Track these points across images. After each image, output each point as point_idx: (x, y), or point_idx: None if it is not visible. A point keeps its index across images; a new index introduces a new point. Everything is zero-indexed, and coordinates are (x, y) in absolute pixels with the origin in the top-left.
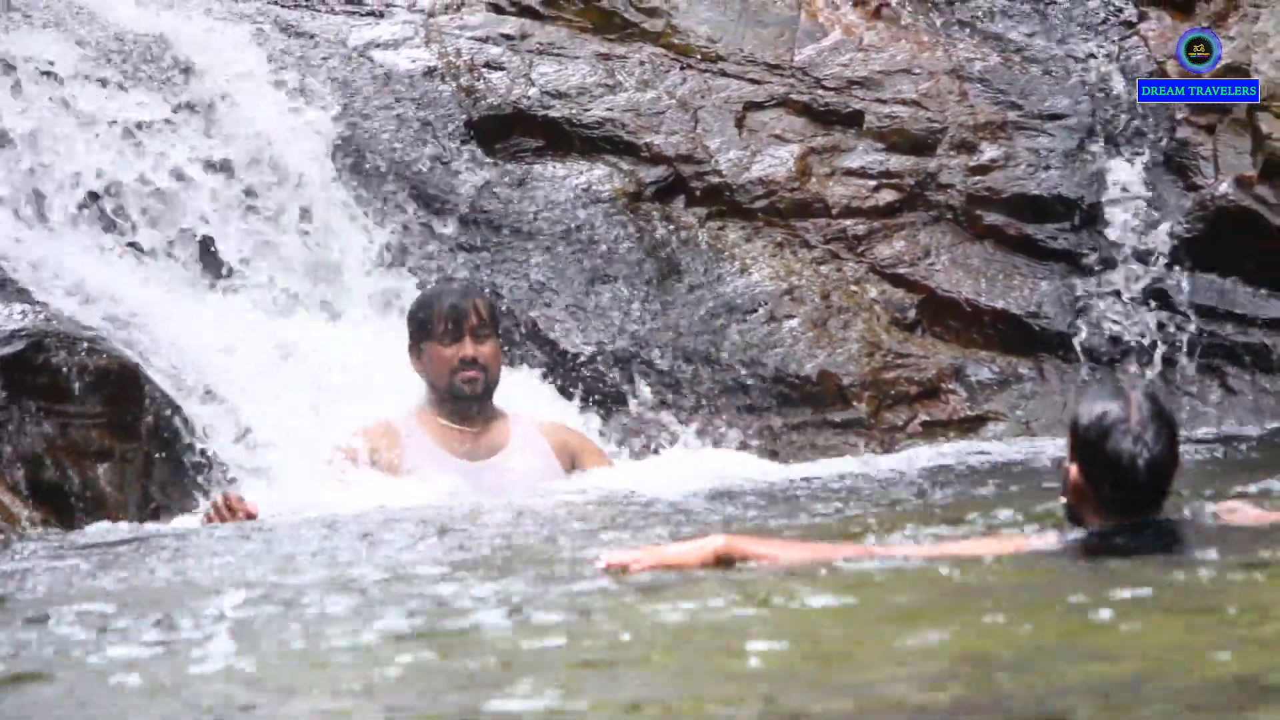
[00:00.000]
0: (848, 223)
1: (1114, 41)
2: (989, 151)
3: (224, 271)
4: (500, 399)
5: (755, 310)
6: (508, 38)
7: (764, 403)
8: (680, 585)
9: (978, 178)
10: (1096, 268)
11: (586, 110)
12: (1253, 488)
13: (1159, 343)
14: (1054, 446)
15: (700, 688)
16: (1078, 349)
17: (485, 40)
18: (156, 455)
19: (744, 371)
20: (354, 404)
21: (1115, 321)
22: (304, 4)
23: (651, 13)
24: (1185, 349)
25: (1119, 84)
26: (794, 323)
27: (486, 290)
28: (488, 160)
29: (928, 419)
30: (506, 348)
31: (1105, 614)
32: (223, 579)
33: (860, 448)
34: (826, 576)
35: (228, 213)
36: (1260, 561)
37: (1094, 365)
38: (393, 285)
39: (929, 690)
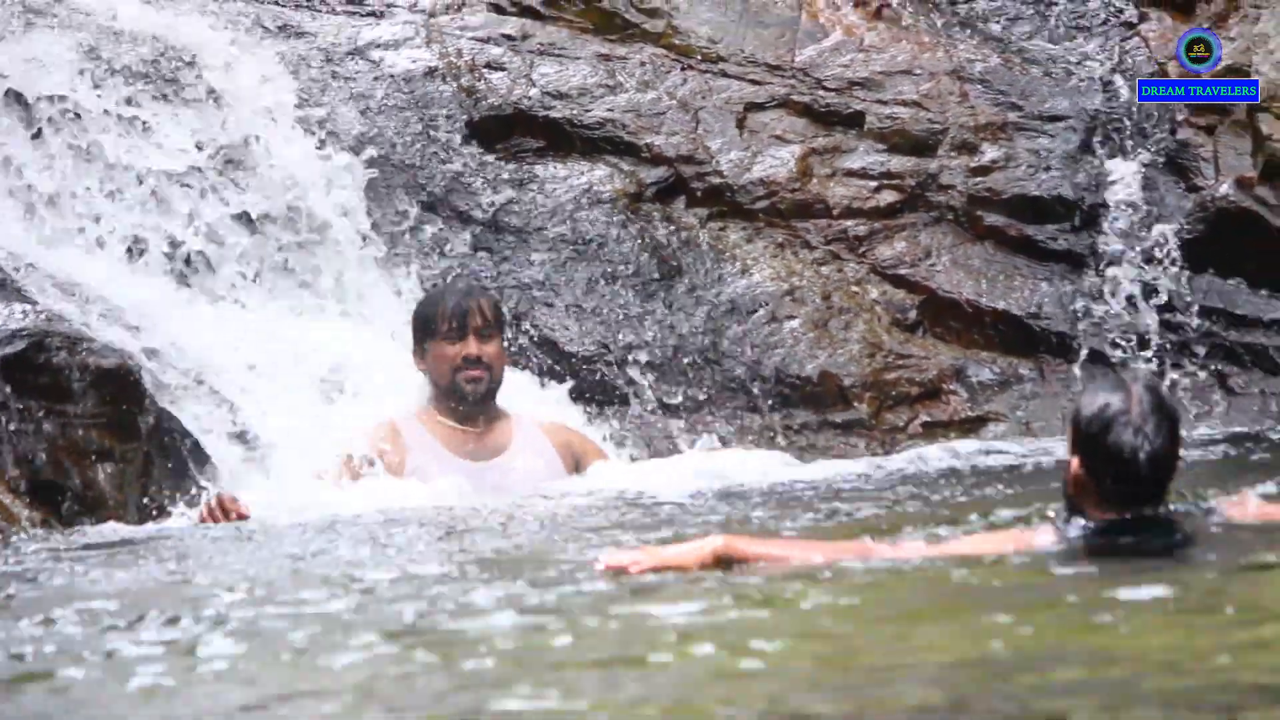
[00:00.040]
0: (849, 223)
1: (1114, 43)
2: (990, 152)
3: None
4: (501, 399)
5: (756, 311)
6: (509, 38)
7: (765, 403)
8: (680, 586)
9: (978, 179)
10: (1097, 269)
11: (587, 111)
12: (1255, 489)
13: (1160, 344)
14: (1055, 447)
15: (700, 688)
16: (1078, 350)
17: (486, 41)
18: (156, 455)
19: (745, 372)
20: (354, 404)
21: (1116, 322)
22: (305, 4)
23: (652, 13)
24: (1186, 350)
25: (1120, 85)
26: (795, 323)
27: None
28: (488, 161)
29: (928, 420)
30: (507, 348)
31: (1105, 614)
32: (224, 579)
33: (861, 448)
34: (826, 576)
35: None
36: (1260, 562)
37: (1095, 366)
38: (393, 285)
39: (930, 690)
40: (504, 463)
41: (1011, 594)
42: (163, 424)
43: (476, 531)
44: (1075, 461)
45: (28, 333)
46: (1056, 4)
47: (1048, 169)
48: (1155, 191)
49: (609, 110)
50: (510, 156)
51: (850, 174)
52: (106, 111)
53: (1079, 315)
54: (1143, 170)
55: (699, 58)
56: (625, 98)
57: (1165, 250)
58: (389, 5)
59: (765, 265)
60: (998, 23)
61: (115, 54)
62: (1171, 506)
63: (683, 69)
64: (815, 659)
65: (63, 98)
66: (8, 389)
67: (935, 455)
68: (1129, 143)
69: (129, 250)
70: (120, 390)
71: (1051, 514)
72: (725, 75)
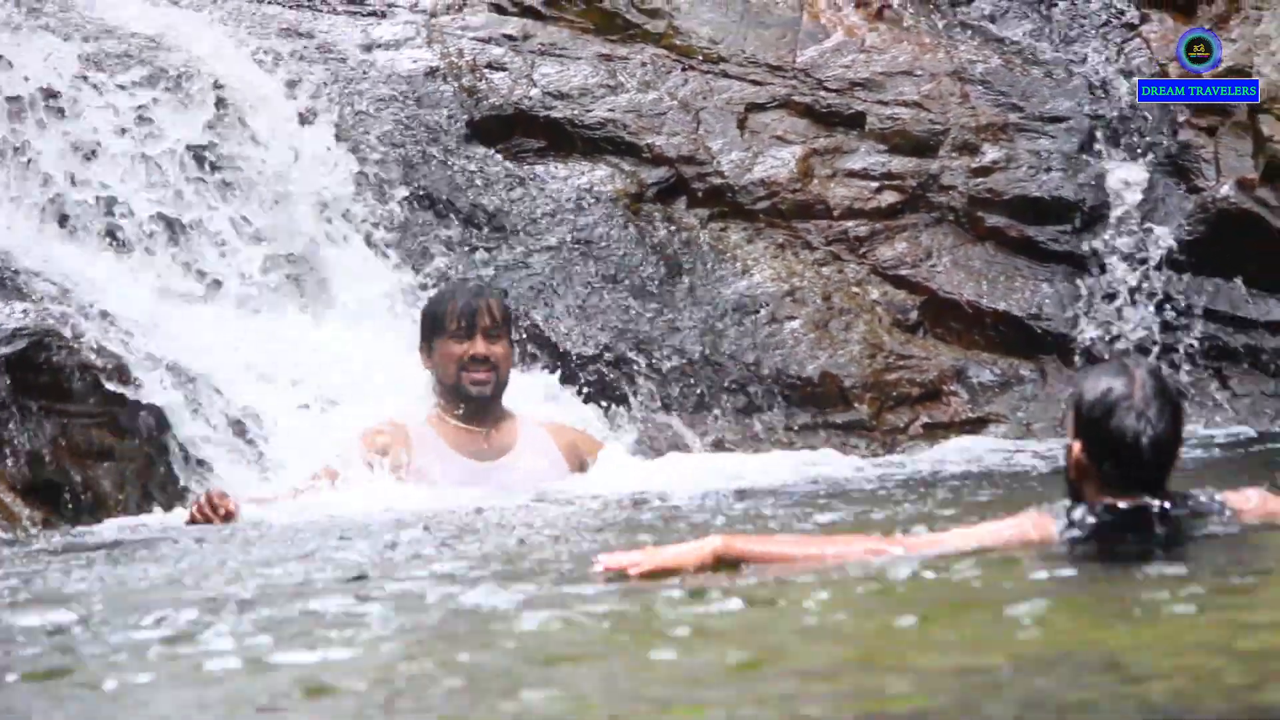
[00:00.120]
0: (849, 224)
1: (1115, 44)
2: (990, 153)
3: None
4: (504, 399)
5: (757, 311)
6: (510, 38)
7: (765, 404)
8: (679, 586)
9: (979, 179)
10: (1098, 270)
11: (588, 111)
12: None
13: (1160, 345)
14: (1055, 448)
15: (701, 689)
16: (1079, 351)
17: (487, 41)
18: (156, 455)
19: (745, 373)
20: (355, 405)
21: (1117, 323)
22: (306, 4)
23: (653, 14)
24: (1186, 351)
25: (1121, 86)
26: (796, 324)
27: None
28: (489, 161)
29: (929, 421)
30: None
31: (1105, 615)
32: (225, 579)
33: (862, 449)
34: (826, 576)
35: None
36: (1261, 563)
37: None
38: (393, 285)
39: (930, 690)
40: (510, 463)
41: (1012, 595)
42: (163, 424)
43: (481, 532)
44: (1077, 445)
45: (28, 332)
46: (1057, 5)
47: (1049, 170)
48: (1156, 192)
49: (610, 110)
50: (511, 156)
51: (851, 175)
52: (112, 108)
53: (1079, 316)
54: (1144, 172)
55: (700, 58)
56: (626, 98)
57: (1166, 251)
58: (390, 5)
59: (766, 266)
60: (999, 24)
61: (115, 53)
62: (1174, 498)
63: (684, 69)
64: (815, 659)
65: (61, 94)
66: (8, 388)
67: (935, 456)
68: (1130, 144)
69: (129, 250)
70: (120, 390)
71: (1051, 504)
72: (726, 76)
